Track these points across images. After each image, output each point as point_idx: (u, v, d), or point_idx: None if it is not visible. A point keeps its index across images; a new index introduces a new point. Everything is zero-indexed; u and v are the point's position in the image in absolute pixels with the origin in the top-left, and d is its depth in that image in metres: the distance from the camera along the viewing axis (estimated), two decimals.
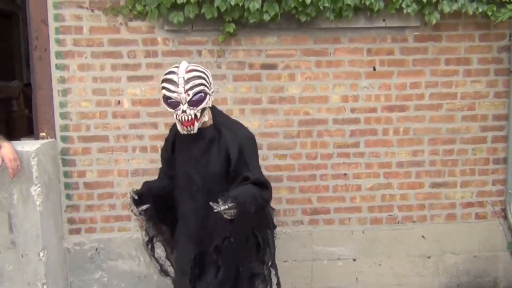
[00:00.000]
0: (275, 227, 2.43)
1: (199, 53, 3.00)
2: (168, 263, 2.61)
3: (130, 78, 3.00)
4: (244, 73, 3.04)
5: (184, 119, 2.06)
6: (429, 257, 3.26)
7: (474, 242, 3.27)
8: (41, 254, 2.78)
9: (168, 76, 2.05)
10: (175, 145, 2.30)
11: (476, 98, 3.17)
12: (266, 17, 2.81)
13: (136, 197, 2.25)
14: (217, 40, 2.97)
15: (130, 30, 2.97)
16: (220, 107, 3.00)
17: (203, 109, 2.11)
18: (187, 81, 2.02)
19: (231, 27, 2.87)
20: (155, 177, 3.00)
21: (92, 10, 2.94)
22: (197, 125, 2.10)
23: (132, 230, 3.09)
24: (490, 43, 3.13)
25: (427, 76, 3.12)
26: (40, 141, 2.92)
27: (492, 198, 3.26)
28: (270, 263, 2.31)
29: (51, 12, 2.92)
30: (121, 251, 3.10)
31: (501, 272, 3.30)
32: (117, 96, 3.01)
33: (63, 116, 3.00)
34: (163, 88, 2.07)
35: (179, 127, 2.12)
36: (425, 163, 3.19)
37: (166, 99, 2.07)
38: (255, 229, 2.23)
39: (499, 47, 3.14)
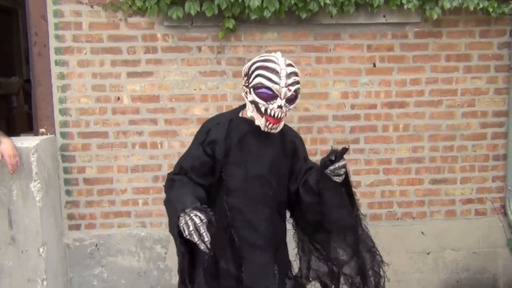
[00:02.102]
0: None
1: (199, 49, 3.00)
2: None
3: (130, 74, 2.99)
4: None
5: (276, 115, 1.83)
6: (428, 254, 3.27)
7: (474, 238, 3.27)
8: (41, 250, 2.78)
9: (269, 64, 1.81)
10: (231, 147, 1.94)
11: (476, 95, 3.17)
12: (267, 14, 2.80)
13: (211, 217, 1.70)
14: (217, 36, 2.96)
15: (130, 26, 2.96)
16: (219, 104, 3.04)
17: None
18: (288, 75, 1.82)
19: (231, 23, 2.86)
20: (155, 173, 3.06)
21: (92, 6, 2.93)
22: (281, 124, 1.91)
23: (132, 226, 3.10)
24: (491, 40, 3.13)
25: (427, 73, 3.12)
26: (40, 137, 2.91)
27: (491, 194, 3.26)
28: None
29: (50, 8, 2.91)
30: (120, 247, 3.11)
31: (500, 269, 3.31)
32: (116, 92, 3.00)
33: (63, 112, 3.00)
34: (260, 75, 1.81)
35: (262, 122, 1.86)
36: (425, 159, 3.19)
37: (260, 88, 1.82)
38: None
39: (500, 43, 3.13)
